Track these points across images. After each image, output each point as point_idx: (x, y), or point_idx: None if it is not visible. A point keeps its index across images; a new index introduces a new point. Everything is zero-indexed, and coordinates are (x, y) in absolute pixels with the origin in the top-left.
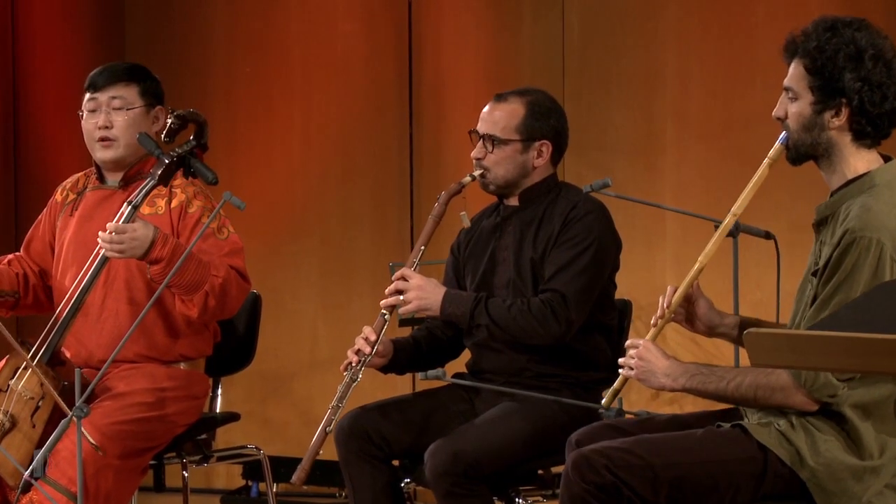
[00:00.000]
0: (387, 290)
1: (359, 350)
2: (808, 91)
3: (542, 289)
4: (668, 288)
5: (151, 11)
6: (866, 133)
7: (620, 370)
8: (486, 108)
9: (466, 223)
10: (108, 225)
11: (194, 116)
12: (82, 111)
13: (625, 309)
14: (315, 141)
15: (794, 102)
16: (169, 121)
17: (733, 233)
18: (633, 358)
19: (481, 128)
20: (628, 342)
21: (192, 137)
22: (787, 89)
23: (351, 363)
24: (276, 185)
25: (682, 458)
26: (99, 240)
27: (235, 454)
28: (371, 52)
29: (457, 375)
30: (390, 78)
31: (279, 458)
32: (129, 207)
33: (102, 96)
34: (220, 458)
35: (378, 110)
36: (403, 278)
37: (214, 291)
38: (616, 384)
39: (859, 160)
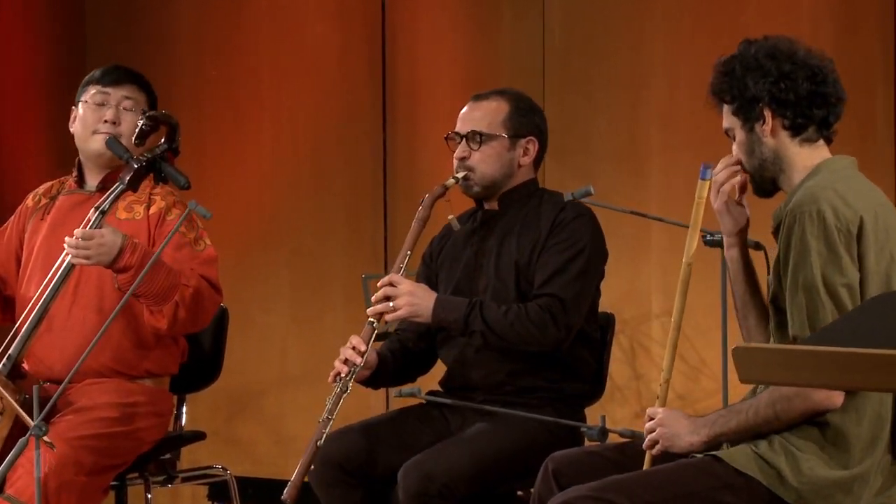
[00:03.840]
0: (374, 297)
1: (347, 360)
2: (735, 118)
3: (538, 293)
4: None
5: (114, 12)
6: (800, 125)
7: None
8: (464, 110)
9: (456, 226)
10: (75, 231)
11: (166, 118)
12: (83, 101)
13: (608, 322)
14: (285, 147)
15: (735, 139)
16: (140, 122)
17: (720, 243)
18: (654, 430)
19: (462, 127)
20: (648, 411)
21: (163, 140)
22: (727, 132)
23: (340, 374)
24: (244, 194)
25: (654, 497)
26: (65, 245)
27: (201, 475)
28: (343, 54)
29: (431, 393)
30: (363, 81)
31: (247, 479)
32: (97, 213)
33: (115, 93)
34: (185, 479)
35: (350, 115)
36: (391, 284)
37: (185, 302)
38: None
39: (807, 159)
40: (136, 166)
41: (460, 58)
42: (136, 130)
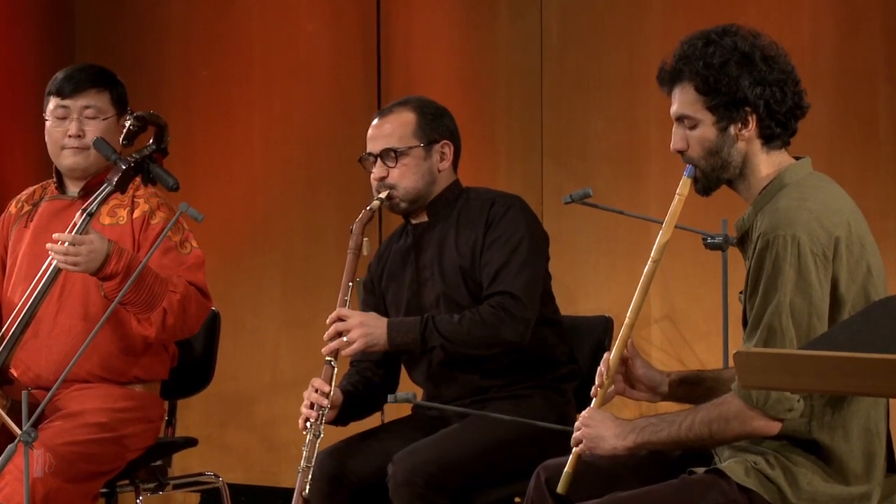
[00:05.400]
0: (325, 336)
1: (313, 405)
2: (707, 112)
3: (487, 293)
4: (605, 354)
5: (103, 10)
6: (775, 135)
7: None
8: (372, 128)
9: (367, 250)
10: (60, 235)
11: (154, 119)
12: (47, 117)
13: (606, 325)
14: (277, 148)
15: (693, 130)
16: (128, 123)
17: (722, 246)
18: (580, 429)
19: (374, 147)
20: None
21: (151, 141)
22: (680, 118)
23: (309, 419)
24: (235, 196)
25: None
26: (51, 251)
27: (192, 482)
28: (337, 53)
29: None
30: (358, 81)
31: (239, 486)
32: (84, 215)
33: (74, 104)
34: (177, 486)
35: (344, 115)
36: (340, 319)
37: (173, 308)
38: (568, 466)
39: (770, 165)
40: (123, 167)
41: (457, 58)
42: (124, 131)
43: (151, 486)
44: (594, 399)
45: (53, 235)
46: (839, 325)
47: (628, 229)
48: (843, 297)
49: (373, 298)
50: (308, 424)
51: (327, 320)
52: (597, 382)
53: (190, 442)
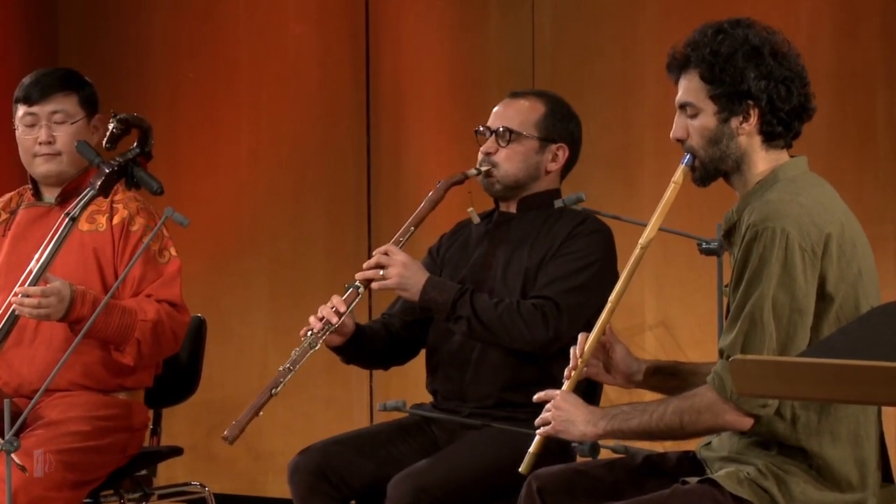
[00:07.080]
0: (365, 264)
1: (323, 318)
2: (710, 101)
3: (534, 294)
4: (580, 335)
5: (86, 12)
6: (777, 133)
7: (537, 431)
8: (498, 106)
9: (476, 219)
10: (26, 289)
11: (138, 122)
12: (16, 125)
13: None
14: (264, 152)
15: (695, 118)
16: (111, 126)
17: (717, 252)
18: (549, 411)
19: (494, 123)
20: (541, 395)
21: (135, 144)
22: (683, 106)
23: (312, 329)
24: (222, 200)
25: None
26: (18, 306)
27: (178, 491)
28: (325, 56)
29: (416, 406)
30: (346, 84)
31: (225, 496)
32: (67, 220)
33: (42, 110)
34: (162, 496)
35: (333, 119)
36: (387, 253)
37: (146, 338)
38: (533, 447)
39: (767, 162)
40: (107, 171)
41: (447, 59)
42: (107, 134)
43: (136, 496)
44: (566, 381)
45: (17, 289)
46: (837, 332)
47: (622, 235)
48: (830, 295)
49: (431, 264)
50: (309, 333)
51: (377, 250)
52: (571, 364)
53: (175, 451)
